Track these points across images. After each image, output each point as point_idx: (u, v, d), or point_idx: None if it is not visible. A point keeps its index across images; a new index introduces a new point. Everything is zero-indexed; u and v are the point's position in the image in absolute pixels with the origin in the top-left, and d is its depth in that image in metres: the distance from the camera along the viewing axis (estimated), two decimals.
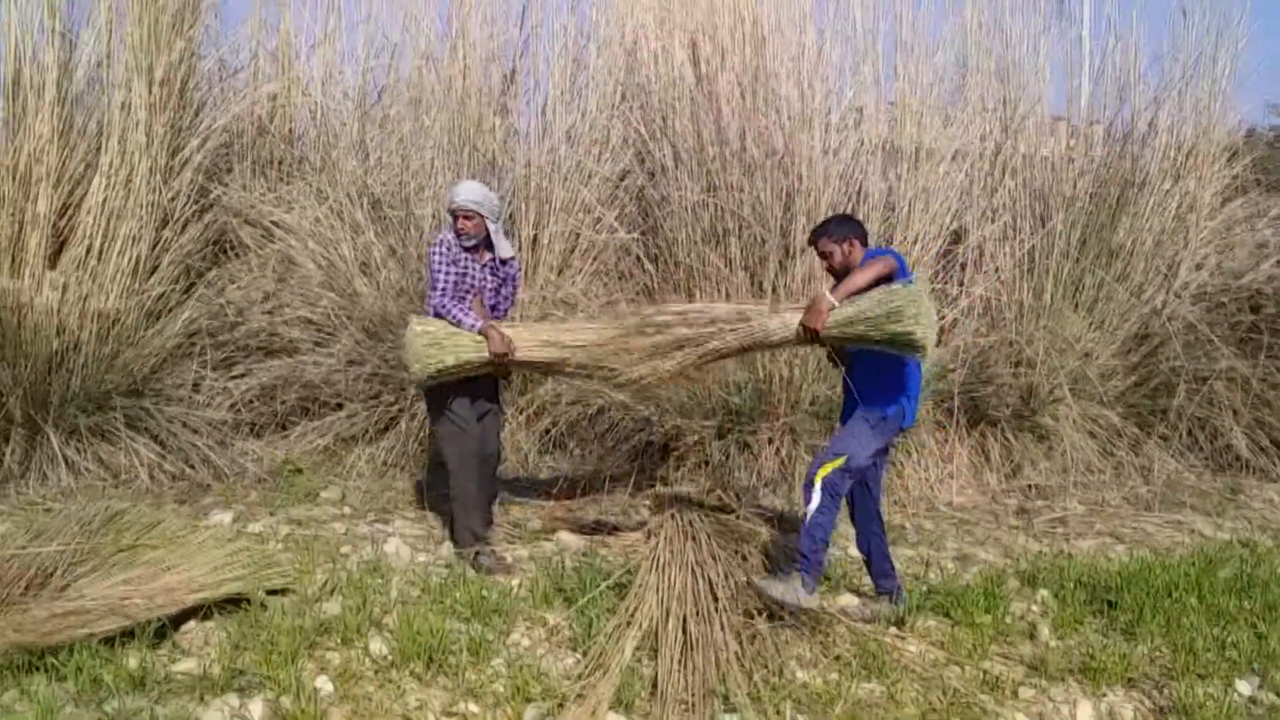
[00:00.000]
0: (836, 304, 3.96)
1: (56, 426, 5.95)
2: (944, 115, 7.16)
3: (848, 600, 4.56)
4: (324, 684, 3.56)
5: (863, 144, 6.67)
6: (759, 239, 6.44)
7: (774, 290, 6.37)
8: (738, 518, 5.15)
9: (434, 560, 4.87)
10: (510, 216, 6.84)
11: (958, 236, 7.01)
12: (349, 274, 6.79)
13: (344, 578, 4.48)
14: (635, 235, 6.92)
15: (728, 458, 6.19)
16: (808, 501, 4.11)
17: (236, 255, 7.07)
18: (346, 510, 5.59)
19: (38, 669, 3.60)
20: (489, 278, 4.86)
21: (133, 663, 3.61)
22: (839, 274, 4.21)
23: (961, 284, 6.91)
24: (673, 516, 5.06)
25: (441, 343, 4.59)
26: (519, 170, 6.83)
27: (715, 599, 4.23)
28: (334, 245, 6.88)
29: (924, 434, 6.43)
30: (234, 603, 4.14)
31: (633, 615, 4.10)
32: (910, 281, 3.94)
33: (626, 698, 3.54)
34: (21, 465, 5.86)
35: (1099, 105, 7.50)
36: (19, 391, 5.84)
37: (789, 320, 4.14)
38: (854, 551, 5.17)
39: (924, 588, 4.68)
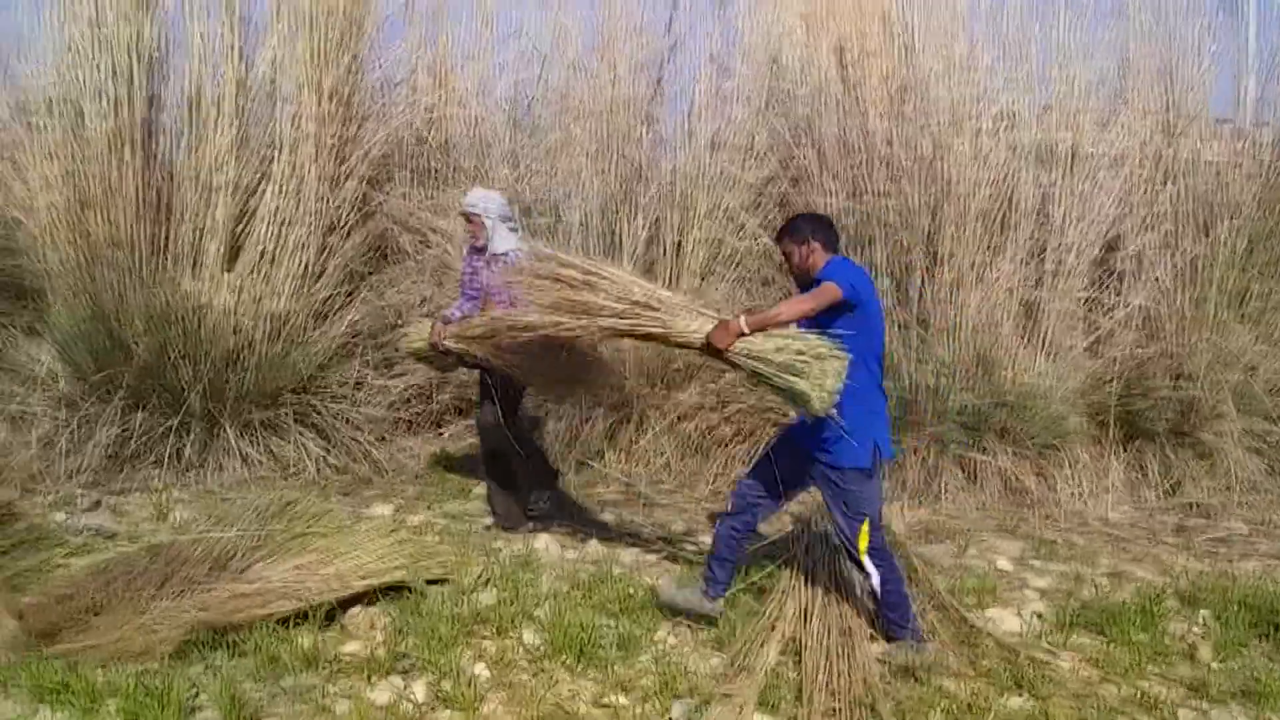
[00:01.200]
0: (747, 332, 3.76)
1: (232, 420, 6.36)
2: (1102, 119, 6.94)
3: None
4: (480, 670, 3.72)
5: (1015, 149, 6.53)
6: (904, 245, 6.38)
7: (920, 298, 6.32)
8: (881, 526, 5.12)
9: (581, 557, 5.01)
10: (655, 223, 6.97)
11: (1114, 244, 6.79)
12: None
13: (497, 571, 4.66)
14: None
15: None
16: (868, 576, 3.96)
17: (396, 260, 7.39)
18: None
19: (220, 645, 3.87)
20: (495, 275, 5.04)
21: (306, 642, 3.84)
22: (797, 276, 4.07)
23: (1118, 293, 6.69)
24: (813, 524, 5.10)
25: (420, 331, 5.38)
26: (664, 177, 6.94)
27: (859, 608, 4.24)
28: None
29: (1078, 448, 6.25)
30: (395, 590, 4.37)
31: (775, 620, 4.15)
32: (834, 338, 3.71)
33: (771, 700, 3.58)
34: (200, 456, 6.27)
35: (1267, 106, 7.14)
36: (199, 387, 6.25)
37: (701, 327, 3.87)
38: (1003, 564, 5.11)
39: (1076, 604, 4.57)
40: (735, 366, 3.90)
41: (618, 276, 4.13)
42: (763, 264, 6.98)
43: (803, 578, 4.50)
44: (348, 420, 6.61)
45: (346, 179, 7.02)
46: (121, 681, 3.55)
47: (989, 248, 6.42)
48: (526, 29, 8.11)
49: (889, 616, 3.99)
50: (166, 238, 6.44)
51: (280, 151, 6.72)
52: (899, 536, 4.94)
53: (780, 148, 7.05)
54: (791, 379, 3.67)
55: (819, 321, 3.82)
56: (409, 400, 6.98)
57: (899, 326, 6.27)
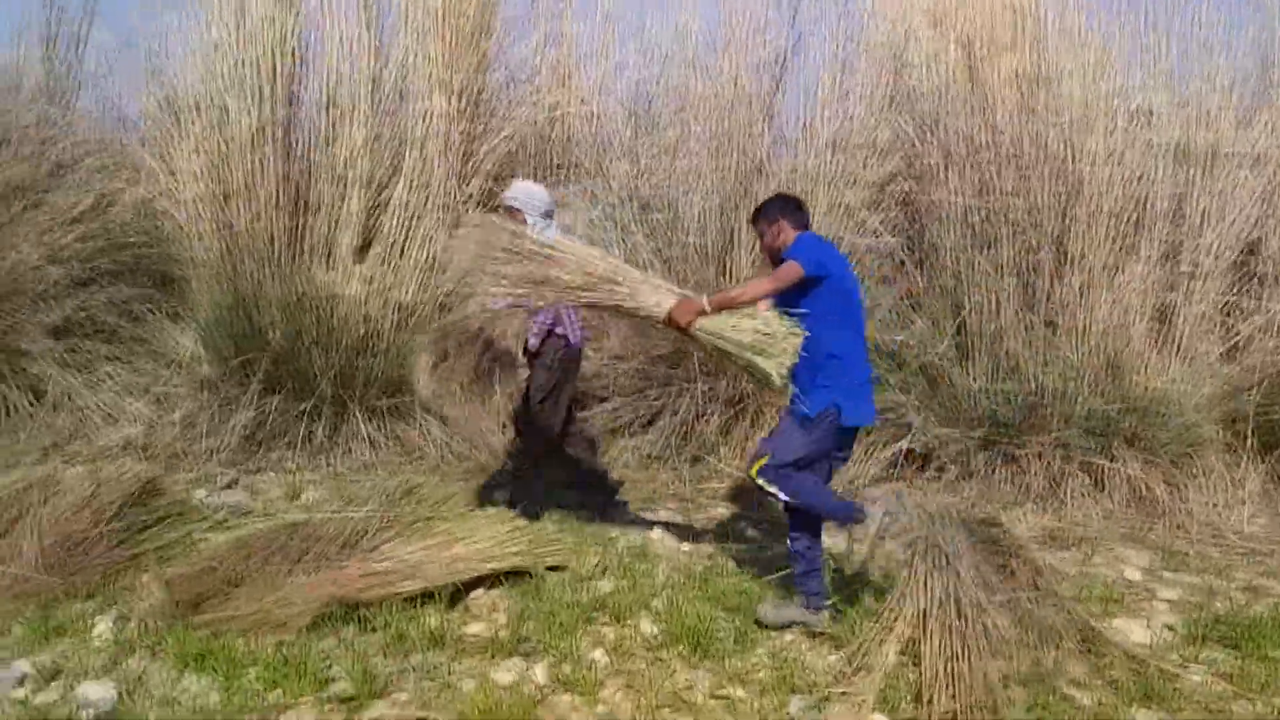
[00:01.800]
0: (708, 310, 3.96)
1: (360, 406, 6.59)
2: (1243, 117, 6.65)
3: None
4: (599, 657, 3.80)
5: (1150, 147, 6.31)
6: (1033, 245, 6.23)
7: (1048, 299, 6.16)
8: (1003, 532, 5.02)
9: (696, 551, 5.05)
10: None
11: (1254, 247, 6.51)
12: None
13: (614, 561, 4.73)
14: (899, 239, 6.84)
15: (992, 470, 6.04)
16: (768, 495, 4.08)
17: None
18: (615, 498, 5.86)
19: (351, 620, 4.04)
20: None
21: (432, 622, 3.98)
22: (770, 255, 4.21)
23: (1259, 298, 6.41)
24: (933, 526, 5.02)
25: None
26: (784, 175, 6.91)
27: (981, 611, 4.16)
28: (605, 246, 7.22)
29: (1211, 457, 6.02)
30: (516, 575, 4.48)
31: (894, 621, 4.10)
32: (792, 317, 3.91)
33: (891, 700, 3.56)
34: (330, 439, 6.52)
35: None
36: (330, 373, 6.50)
37: (663, 302, 4.04)
38: (1131, 574, 4.97)
39: (1209, 617, 4.41)
40: (697, 342, 4.07)
41: (578, 251, 4.30)
42: (883, 262, 6.89)
43: (921, 580, 4.43)
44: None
45: (473, 175, 7.20)
46: (261, 651, 3.74)
47: (1121, 249, 6.23)
48: (647, 27, 8.20)
49: (796, 567, 4.14)
50: (302, 229, 6.71)
51: (410, 148, 6.93)
52: (1022, 540, 4.83)
53: (903, 145, 6.94)
54: (751, 356, 3.92)
55: (791, 298, 3.96)
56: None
57: (1025, 328, 6.12)
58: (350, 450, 6.52)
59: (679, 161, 7.42)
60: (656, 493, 6.07)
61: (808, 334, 3.92)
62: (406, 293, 6.80)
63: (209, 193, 6.66)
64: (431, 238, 6.92)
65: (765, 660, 3.84)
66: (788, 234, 4.15)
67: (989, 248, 6.29)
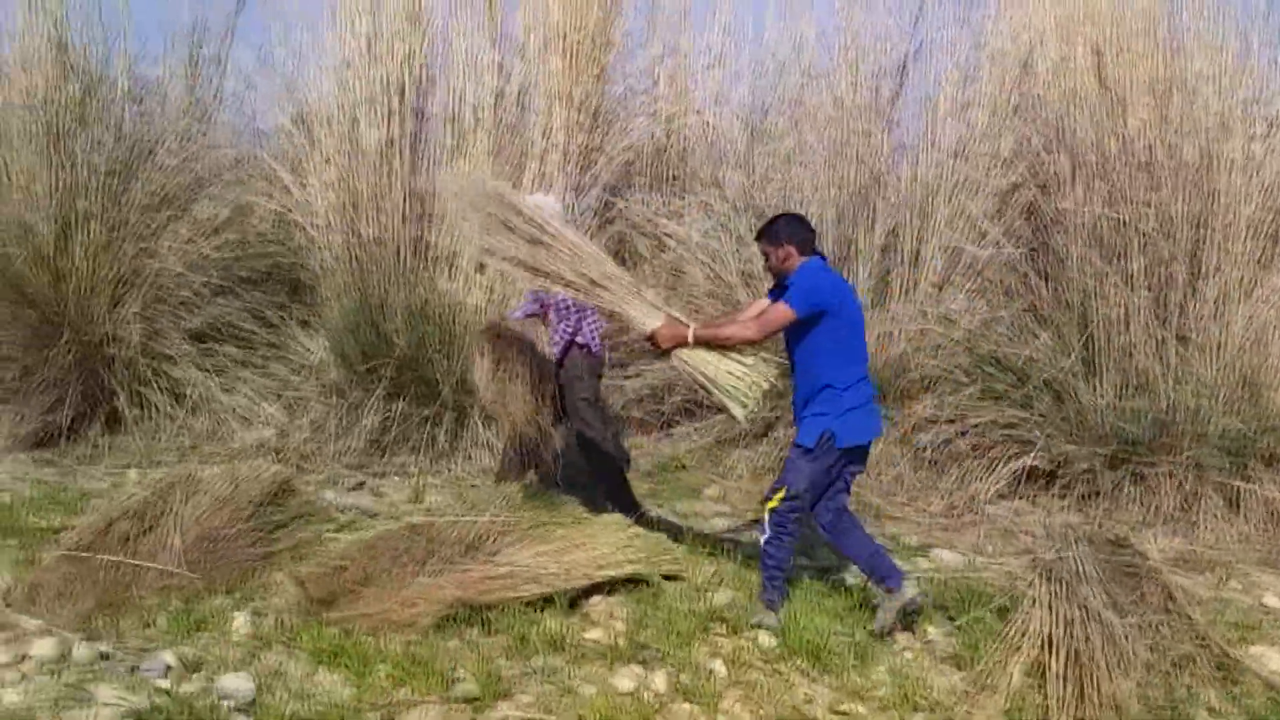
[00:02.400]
0: (690, 342, 4.11)
1: (480, 412, 6.74)
2: None
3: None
4: (718, 667, 3.81)
5: None
6: (1165, 256, 6.02)
7: (1181, 313, 5.95)
8: (1133, 554, 4.86)
9: (813, 564, 5.02)
10: (892, 230, 6.87)
11: None
12: (731, 284, 7.14)
13: (729, 570, 4.74)
14: (1023, 250, 6.69)
15: (1120, 490, 5.85)
16: (762, 533, 4.20)
17: (633, 264, 7.63)
18: (726, 508, 5.88)
19: (474, 623, 4.13)
20: None
21: (552, 626, 4.04)
22: (775, 275, 4.26)
23: None
24: (1060, 545, 4.89)
25: None
26: (904, 184, 6.84)
27: (1110, 634, 4.04)
28: (720, 256, 7.26)
29: None
30: (633, 583, 4.52)
31: (1020, 640, 4.02)
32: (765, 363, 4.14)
33: None
34: (451, 445, 6.69)
35: None
36: (452, 380, 6.67)
37: (650, 320, 4.17)
38: (1269, 600, 4.76)
39: None
40: (672, 365, 4.26)
41: (570, 245, 4.31)
42: (1005, 274, 6.75)
43: (1046, 601, 4.33)
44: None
45: (590, 186, 7.32)
46: (389, 650, 3.86)
47: (1259, 261, 5.99)
48: (764, 36, 8.23)
49: (763, 577, 4.24)
50: (427, 240, 6.92)
51: (531, 160, 7.08)
52: (1153, 562, 4.67)
53: (1028, 154, 6.80)
54: (721, 393, 4.14)
55: (789, 329, 4.12)
56: (641, 400, 7.19)
57: (1156, 343, 5.92)
58: (470, 456, 6.67)
59: (794, 171, 7.41)
60: None
61: (799, 366, 4.17)
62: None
63: (339, 204, 6.92)
64: None
65: (885, 677, 3.80)
66: (793, 259, 4.18)
67: (1118, 259, 6.12)
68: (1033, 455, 6.03)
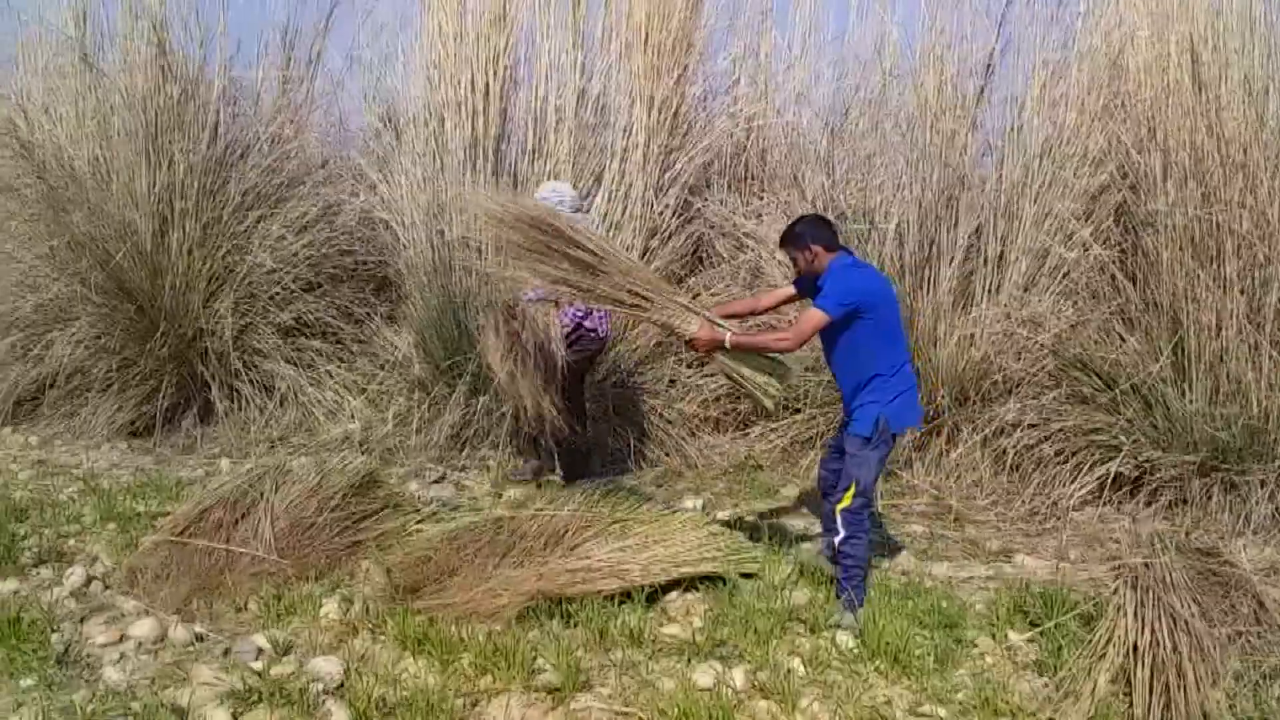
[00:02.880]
0: (728, 347, 4.26)
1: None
2: None
3: None
4: (796, 665, 3.81)
5: None
6: (1261, 259, 5.85)
7: (1277, 316, 5.77)
8: (1222, 563, 4.74)
9: (892, 566, 4.99)
10: (976, 231, 6.78)
11: None
12: None
13: (807, 570, 4.72)
14: (1111, 252, 6.55)
15: (1209, 498, 5.70)
16: (836, 534, 4.27)
17: (712, 264, 7.64)
18: (803, 510, 5.86)
19: (555, 615, 4.20)
20: None
21: (631, 621, 4.08)
22: (806, 275, 4.34)
23: None
24: (1147, 552, 4.79)
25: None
26: (990, 185, 6.74)
27: (1199, 644, 3.95)
28: None
29: None
30: (709, 580, 4.54)
31: (1104, 648, 3.95)
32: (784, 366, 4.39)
33: None
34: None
35: None
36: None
37: (687, 325, 4.30)
38: None
39: None
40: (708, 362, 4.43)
41: (613, 260, 4.41)
42: (1093, 276, 6.61)
43: (1133, 610, 4.24)
44: (661, 415, 6.91)
45: (670, 186, 7.35)
46: (473, 639, 3.94)
47: None
48: (846, 35, 8.17)
49: (840, 577, 4.28)
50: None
51: (611, 160, 7.14)
52: (1245, 572, 4.55)
53: (1118, 153, 6.65)
54: (751, 386, 4.39)
55: (854, 331, 4.18)
56: (719, 399, 7.19)
57: (1250, 348, 5.75)
58: (550, 451, 6.74)
59: (875, 171, 7.36)
60: None
61: (842, 362, 4.29)
62: None
63: (425, 203, 7.06)
64: (630, 248, 7.10)
65: (966, 681, 3.77)
66: (821, 258, 4.26)
67: (1211, 262, 5.94)
68: (1119, 461, 5.89)
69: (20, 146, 7.13)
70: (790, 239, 4.36)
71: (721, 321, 4.38)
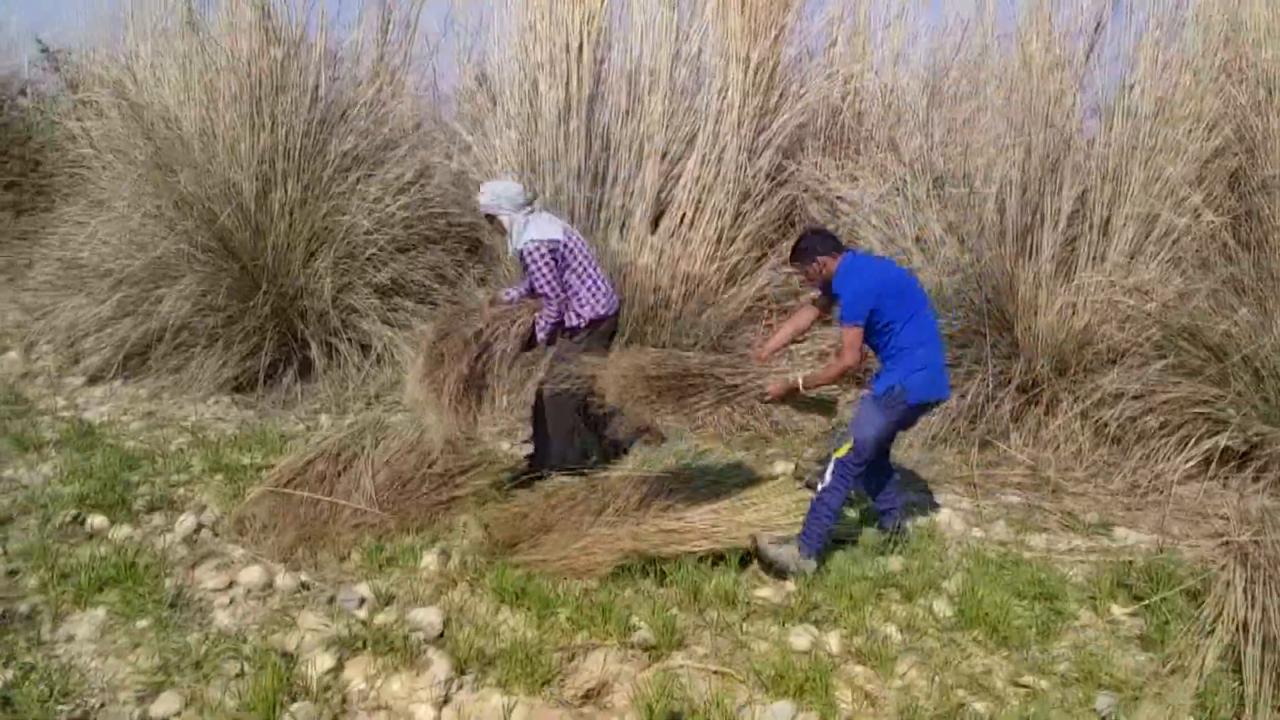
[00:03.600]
0: (800, 390, 4.37)
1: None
2: None
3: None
4: (892, 632, 3.79)
5: None
6: None
7: None
8: None
9: (988, 536, 4.91)
10: (1081, 197, 6.58)
11: None
12: (907, 249, 6.98)
13: (900, 539, 4.68)
14: (1224, 219, 6.30)
15: None
16: (822, 479, 4.36)
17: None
18: (896, 477, 5.78)
19: (649, 574, 4.24)
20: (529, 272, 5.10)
21: (724, 582, 4.10)
22: (820, 286, 4.52)
23: None
24: (1256, 529, 4.64)
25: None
26: (1098, 148, 6.52)
27: None
28: (895, 221, 7.11)
29: None
30: None
31: (1213, 625, 3.85)
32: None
33: (1209, 706, 3.34)
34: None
35: None
36: (621, 339, 6.76)
37: (755, 380, 4.47)
38: None
39: None
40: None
41: (709, 368, 4.54)
42: (1203, 244, 6.37)
43: (1241, 587, 4.12)
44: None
45: (764, 149, 7.27)
46: (569, 594, 3.99)
47: None
48: None
49: (808, 520, 4.35)
50: (601, 201, 7.03)
51: (705, 121, 7.08)
52: None
53: (1234, 116, 6.38)
54: (816, 409, 4.74)
55: (874, 319, 4.31)
56: (810, 365, 7.12)
57: None
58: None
59: (978, 134, 7.18)
60: (941, 475, 5.93)
61: (877, 347, 4.42)
62: (694, 264, 6.98)
63: (518, 164, 7.10)
64: (722, 211, 7.06)
65: (1067, 653, 3.70)
66: (829, 265, 4.42)
67: None
68: (1227, 435, 5.70)
69: (129, 108, 7.34)
70: (797, 256, 4.55)
71: (790, 370, 4.58)
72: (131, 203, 7.60)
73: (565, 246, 5.09)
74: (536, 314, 5.20)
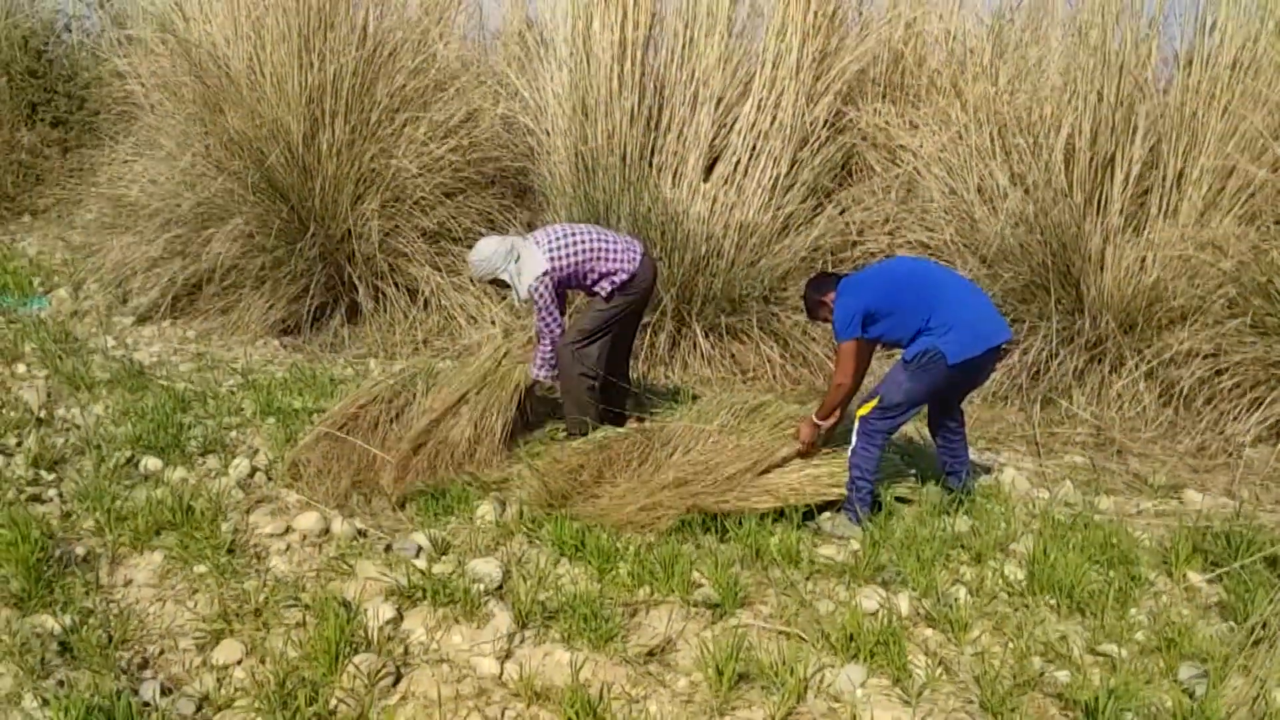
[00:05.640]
0: (824, 426, 4.41)
1: (699, 321, 6.72)
2: None
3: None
4: (962, 595, 3.68)
5: None
6: None
7: None
8: None
9: (1055, 497, 4.78)
10: (1154, 148, 6.33)
11: None
12: (969, 200, 6.78)
13: (966, 499, 4.56)
14: None
15: None
16: (850, 443, 4.32)
17: (862, 178, 7.35)
18: (964, 435, 5.64)
19: (709, 530, 4.15)
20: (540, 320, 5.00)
21: (787, 540, 4.00)
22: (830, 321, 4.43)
23: None
24: None
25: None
26: (1173, 97, 6.26)
27: None
28: (957, 171, 6.90)
29: None
30: None
31: None
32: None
33: None
34: (669, 353, 6.71)
35: None
36: (672, 289, 6.65)
37: (791, 444, 4.47)
38: None
39: None
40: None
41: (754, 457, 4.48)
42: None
43: None
44: (804, 331, 6.74)
45: (822, 95, 7.05)
46: (627, 549, 3.92)
47: None
48: None
49: (848, 489, 4.33)
50: (654, 147, 6.86)
51: (763, 66, 6.87)
52: None
53: None
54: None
55: (871, 327, 4.30)
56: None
57: None
58: (687, 364, 6.68)
59: (1046, 80, 6.92)
60: (1003, 433, 5.80)
61: (891, 335, 4.34)
62: (749, 213, 6.81)
63: (570, 109, 6.93)
64: (777, 158, 6.87)
65: (1144, 621, 3.58)
66: (829, 303, 4.41)
67: None
68: None
69: (178, 45, 7.24)
70: (811, 310, 4.61)
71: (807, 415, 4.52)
72: (180, 142, 7.53)
73: (554, 268, 4.83)
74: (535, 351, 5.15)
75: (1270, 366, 5.64)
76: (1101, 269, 6.15)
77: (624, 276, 4.96)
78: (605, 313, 5.01)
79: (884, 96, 7.55)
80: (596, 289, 5.00)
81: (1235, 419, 5.66)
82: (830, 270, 6.67)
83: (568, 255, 4.87)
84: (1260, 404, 5.63)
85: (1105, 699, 2.88)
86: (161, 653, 3.30)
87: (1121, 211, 6.23)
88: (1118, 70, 6.31)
